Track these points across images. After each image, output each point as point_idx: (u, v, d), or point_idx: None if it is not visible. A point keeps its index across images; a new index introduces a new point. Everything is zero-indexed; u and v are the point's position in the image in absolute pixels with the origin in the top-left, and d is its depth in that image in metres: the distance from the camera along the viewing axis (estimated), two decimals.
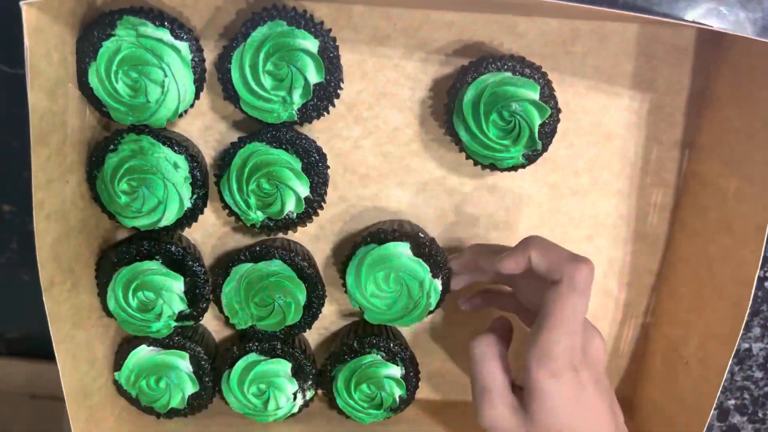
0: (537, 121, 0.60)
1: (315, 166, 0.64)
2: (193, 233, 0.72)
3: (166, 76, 0.59)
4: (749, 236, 0.59)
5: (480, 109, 0.60)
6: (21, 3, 0.50)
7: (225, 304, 0.68)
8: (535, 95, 0.60)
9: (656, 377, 0.74)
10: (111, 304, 0.67)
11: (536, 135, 0.61)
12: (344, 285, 0.67)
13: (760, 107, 0.58)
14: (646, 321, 0.76)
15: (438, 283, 0.66)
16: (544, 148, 0.63)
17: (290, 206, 0.64)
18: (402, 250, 0.65)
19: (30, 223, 0.77)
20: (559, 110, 0.63)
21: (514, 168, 0.63)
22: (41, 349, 0.86)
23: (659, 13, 0.66)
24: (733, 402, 0.80)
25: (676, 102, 0.68)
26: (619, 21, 0.65)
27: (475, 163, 0.64)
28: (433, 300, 0.66)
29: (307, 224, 0.68)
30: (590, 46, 0.66)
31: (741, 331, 0.60)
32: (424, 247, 0.65)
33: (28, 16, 0.51)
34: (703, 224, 0.66)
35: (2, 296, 0.84)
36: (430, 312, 0.67)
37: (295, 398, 0.71)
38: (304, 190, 0.63)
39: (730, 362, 0.61)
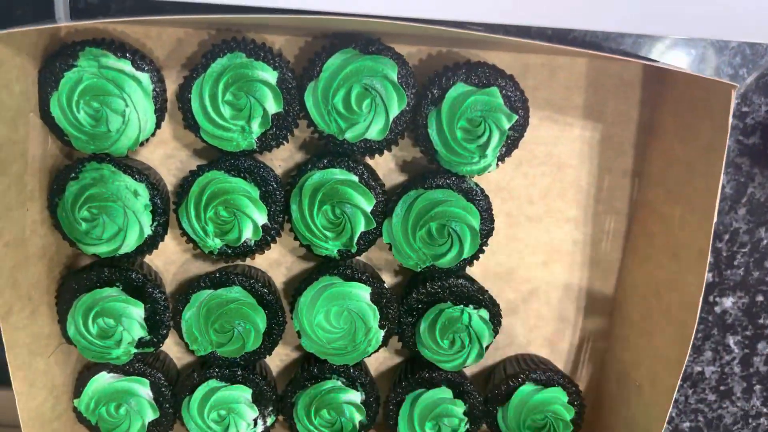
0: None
1: (273, 195, 0.65)
2: (154, 260, 0.73)
3: (127, 106, 0.61)
4: (693, 262, 0.61)
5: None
6: None
7: (185, 330, 0.68)
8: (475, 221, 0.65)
9: (611, 402, 0.75)
10: (71, 331, 0.67)
11: None
12: (292, 304, 0.68)
13: (699, 138, 0.61)
14: (602, 346, 0.77)
15: (381, 335, 0.68)
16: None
17: (247, 234, 0.65)
18: (362, 293, 0.67)
19: None
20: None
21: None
22: (3, 377, 0.85)
23: (607, 49, 0.69)
24: (688, 424, 0.82)
25: (625, 133, 0.70)
26: (569, 56, 0.68)
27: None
28: (371, 348, 0.68)
29: (265, 251, 0.69)
30: (541, 79, 0.68)
31: (688, 354, 0.62)
32: (382, 297, 0.68)
33: None
34: (652, 250, 0.68)
35: None
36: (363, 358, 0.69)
37: (255, 424, 0.72)
38: (261, 218, 0.65)
39: (678, 384, 0.63)
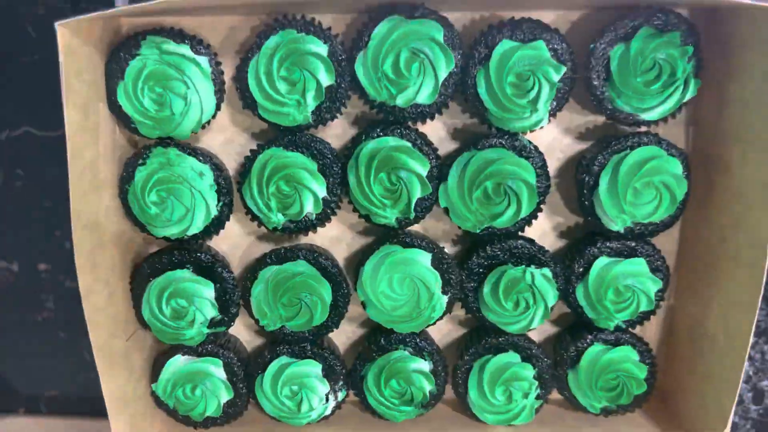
0: None
1: (330, 168, 0.67)
2: (220, 244, 0.75)
3: (188, 88, 0.64)
4: (758, 196, 0.60)
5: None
6: (56, 24, 0.56)
7: (254, 306, 0.70)
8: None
9: (684, 358, 0.74)
10: (146, 314, 0.69)
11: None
12: (355, 277, 0.70)
13: (753, 72, 0.60)
14: (671, 303, 0.76)
15: (444, 300, 0.68)
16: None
17: (309, 207, 0.67)
18: (423, 259, 0.67)
19: (66, 282, 0.77)
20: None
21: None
22: (80, 408, 0.88)
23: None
24: (767, 383, 0.79)
25: None
26: (611, 7, 0.68)
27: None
28: (436, 314, 0.69)
29: (326, 225, 0.71)
30: (587, 35, 0.69)
31: (761, 295, 0.61)
32: (442, 263, 0.68)
33: (62, 36, 0.56)
34: (712, 195, 0.68)
35: (40, 355, 0.87)
36: (429, 325, 0.69)
37: (327, 400, 0.73)
38: (321, 191, 0.67)
39: (754, 338, 0.62)
